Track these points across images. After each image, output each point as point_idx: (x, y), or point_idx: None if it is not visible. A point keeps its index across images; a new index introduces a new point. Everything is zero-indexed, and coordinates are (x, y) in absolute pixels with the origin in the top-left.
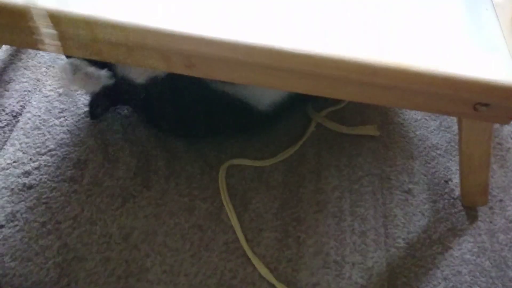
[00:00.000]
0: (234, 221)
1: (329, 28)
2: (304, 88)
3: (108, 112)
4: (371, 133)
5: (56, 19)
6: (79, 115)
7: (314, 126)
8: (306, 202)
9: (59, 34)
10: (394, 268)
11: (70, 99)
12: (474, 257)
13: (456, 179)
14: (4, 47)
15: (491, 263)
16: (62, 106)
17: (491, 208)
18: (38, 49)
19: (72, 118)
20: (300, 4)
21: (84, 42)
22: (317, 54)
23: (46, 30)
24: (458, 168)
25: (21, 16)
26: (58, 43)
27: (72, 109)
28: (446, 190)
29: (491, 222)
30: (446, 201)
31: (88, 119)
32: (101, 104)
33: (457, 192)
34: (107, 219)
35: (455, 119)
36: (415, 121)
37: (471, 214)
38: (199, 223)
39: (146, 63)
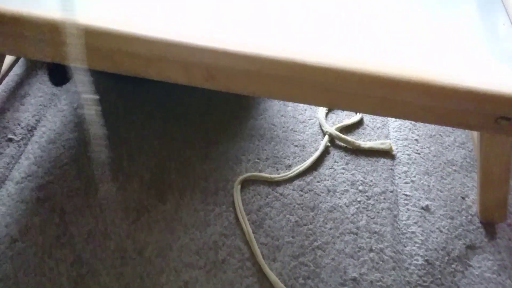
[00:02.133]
0: (250, 237)
1: (350, 42)
2: (325, 102)
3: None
4: (386, 148)
5: (78, 31)
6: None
7: (328, 140)
8: (321, 218)
9: (80, 46)
10: (413, 287)
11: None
12: (494, 275)
13: (473, 196)
14: (20, 61)
15: None
16: (76, 120)
17: (509, 225)
18: (59, 61)
19: (87, 132)
20: (321, 17)
21: (104, 54)
22: (339, 68)
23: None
24: (474, 184)
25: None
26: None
27: (85, 123)
28: (463, 207)
29: (509, 239)
30: (464, 217)
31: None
32: (62, 69)
33: (474, 208)
34: (122, 233)
35: (469, 135)
36: (430, 137)
37: (489, 231)
38: (214, 239)
39: (166, 75)
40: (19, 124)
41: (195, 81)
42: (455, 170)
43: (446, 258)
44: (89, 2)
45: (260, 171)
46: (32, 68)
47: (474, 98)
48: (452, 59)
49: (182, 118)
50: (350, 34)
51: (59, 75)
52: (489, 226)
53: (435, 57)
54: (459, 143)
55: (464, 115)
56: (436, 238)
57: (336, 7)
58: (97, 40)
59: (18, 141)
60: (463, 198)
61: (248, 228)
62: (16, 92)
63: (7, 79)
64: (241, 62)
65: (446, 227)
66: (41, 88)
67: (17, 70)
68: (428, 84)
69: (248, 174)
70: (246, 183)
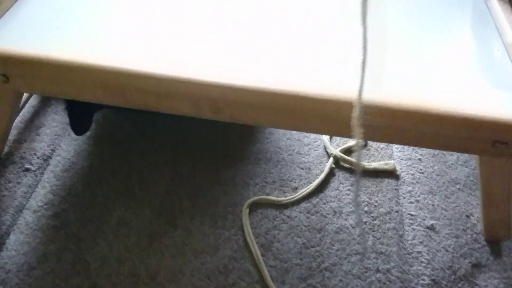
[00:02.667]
0: (259, 260)
1: (349, 73)
2: (327, 131)
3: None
4: (390, 169)
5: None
6: (106, 157)
7: (333, 162)
8: (328, 239)
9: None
10: None
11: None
12: None
13: (477, 214)
14: None
15: None
16: (89, 148)
17: None
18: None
19: (99, 160)
20: (320, 51)
21: (117, 91)
22: (339, 99)
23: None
24: (478, 202)
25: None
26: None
27: (98, 151)
28: (468, 225)
29: None
30: (469, 236)
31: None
32: (83, 114)
33: (479, 226)
34: (135, 258)
35: None
36: (433, 156)
37: (495, 249)
38: (224, 262)
39: (176, 109)
40: (35, 154)
41: (203, 113)
42: (459, 189)
43: (453, 277)
44: (101, 43)
45: (267, 195)
46: (46, 99)
47: (470, 125)
48: (447, 86)
49: (191, 146)
50: (349, 65)
51: (81, 124)
52: (495, 244)
53: (430, 85)
54: (462, 162)
55: (461, 140)
56: (442, 257)
57: (332, 40)
58: (110, 78)
59: (35, 170)
60: (467, 216)
61: (257, 251)
62: (32, 123)
63: (23, 110)
64: (245, 96)
65: (452, 246)
66: (55, 118)
67: (32, 101)
68: (425, 112)
69: (256, 197)
70: (254, 207)
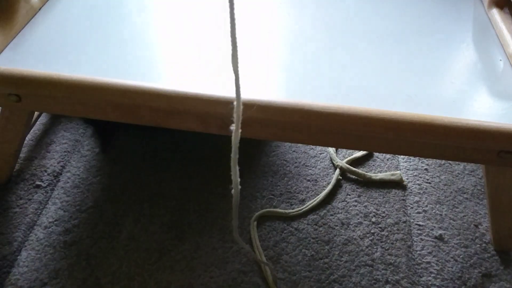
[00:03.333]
0: (267, 273)
1: (352, 87)
2: (332, 143)
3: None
4: (396, 179)
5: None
6: (115, 173)
7: (340, 174)
8: (337, 251)
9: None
10: None
11: None
12: None
13: (486, 223)
14: None
15: None
16: (99, 164)
17: None
18: (89, 116)
19: (109, 176)
20: (321, 65)
21: (128, 109)
22: (344, 113)
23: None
24: (486, 211)
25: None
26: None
27: (107, 167)
28: (477, 235)
29: None
30: (478, 245)
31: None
32: (106, 132)
33: (488, 236)
34: (145, 273)
35: None
36: (439, 166)
37: (505, 258)
38: (233, 276)
39: (185, 126)
40: (45, 171)
41: (211, 129)
42: (466, 198)
43: (463, 287)
44: (111, 62)
45: (275, 207)
46: (56, 116)
47: (475, 135)
48: (450, 96)
49: (198, 161)
50: (352, 79)
51: (108, 143)
52: (504, 253)
53: (434, 96)
54: (469, 171)
55: (467, 150)
56: (451, 267)
57: (334, 55)
58: (121, 96)
59: (45, 187)
60: (476, 226)
61: (265, 263)
62: (42, 140)
63: (33, 128)
64: (252, 112)
65: (461, 256)
66: (65, 135)
67: (43, 119)
68: (429, 123)
69: (264, 210)
70: (262, 220)
